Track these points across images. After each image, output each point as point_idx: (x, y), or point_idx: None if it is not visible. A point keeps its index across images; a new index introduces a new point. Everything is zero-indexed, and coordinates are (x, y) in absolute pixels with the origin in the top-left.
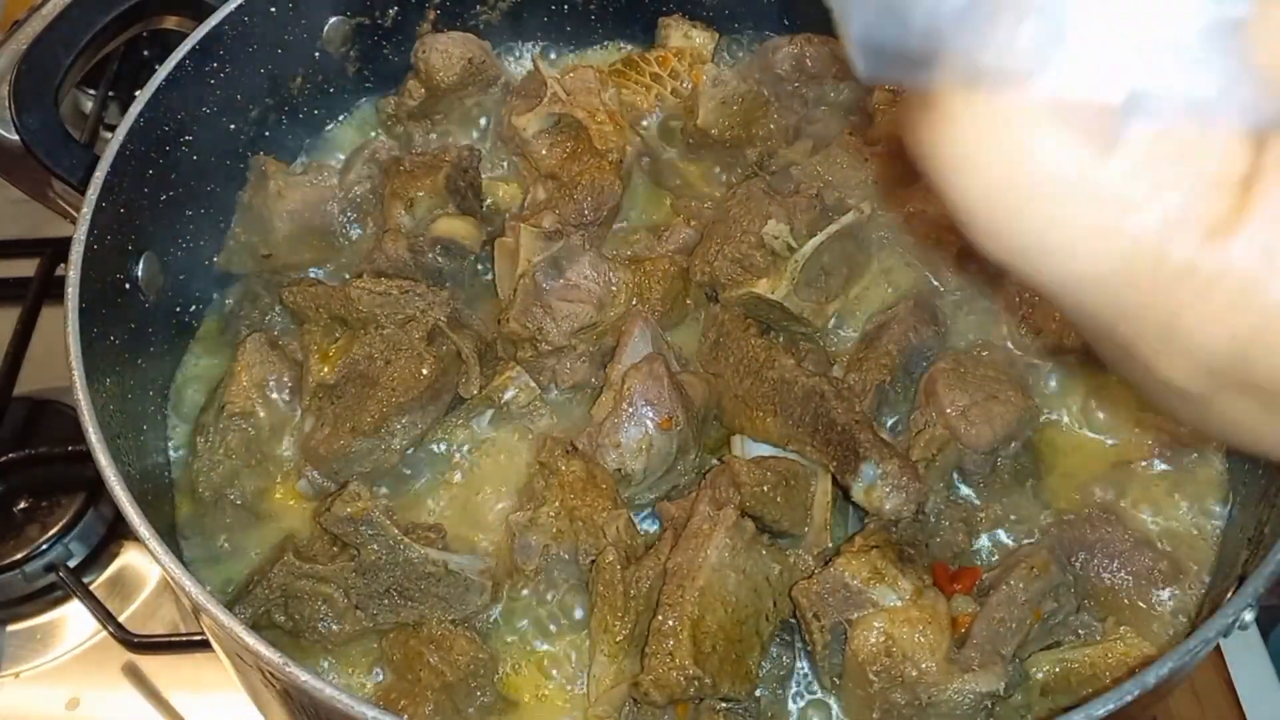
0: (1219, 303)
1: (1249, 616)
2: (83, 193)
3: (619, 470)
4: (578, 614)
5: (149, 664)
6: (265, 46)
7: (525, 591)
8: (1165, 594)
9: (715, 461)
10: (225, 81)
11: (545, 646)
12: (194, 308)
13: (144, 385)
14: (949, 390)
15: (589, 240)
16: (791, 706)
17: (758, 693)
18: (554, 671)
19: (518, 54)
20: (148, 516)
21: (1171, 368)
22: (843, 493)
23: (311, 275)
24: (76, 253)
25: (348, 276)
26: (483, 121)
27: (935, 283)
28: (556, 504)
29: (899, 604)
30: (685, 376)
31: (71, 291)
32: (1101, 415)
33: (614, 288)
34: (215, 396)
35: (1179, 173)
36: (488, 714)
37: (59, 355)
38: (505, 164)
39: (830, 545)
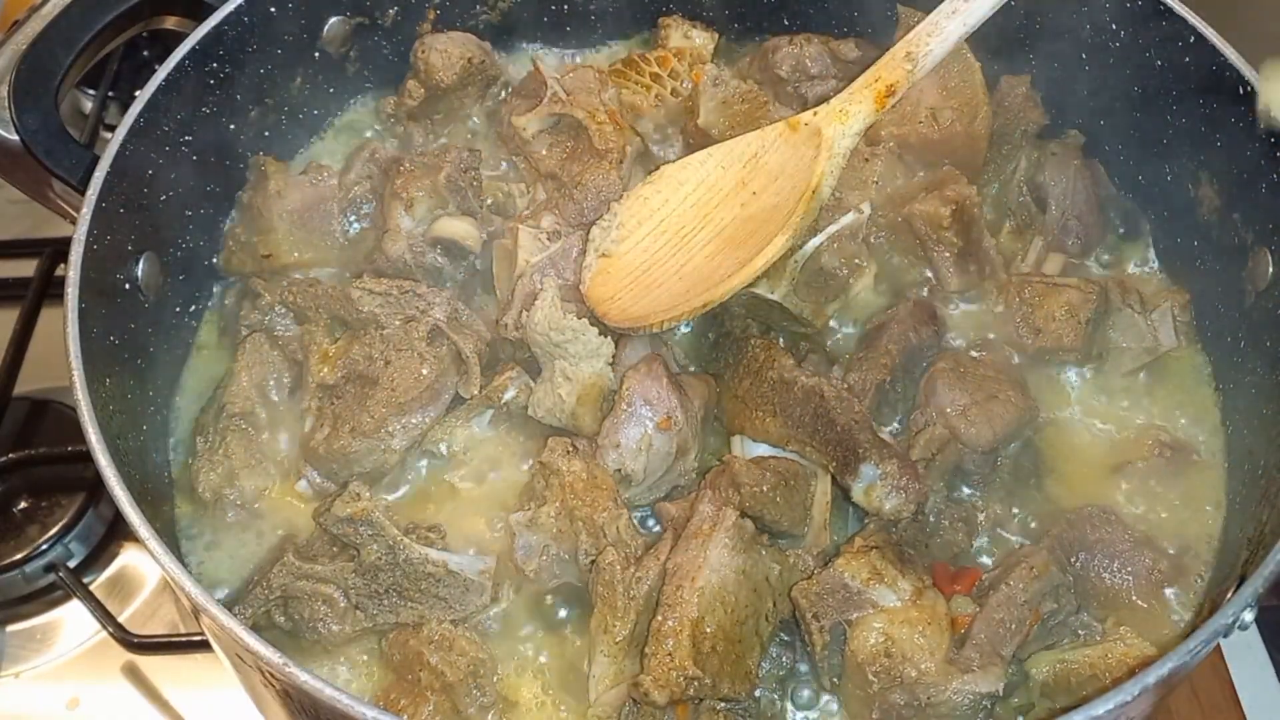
0: None
1: (1249, 616)
2: (83, 193)
3: (619, 470)
4: (578, 614)
5: (149, 664)
6: (265, 46)
7: (525, 592)
8: (1165, 594)
9: (716, 462)
10: (225, 81)
11: (545, 647)
12: (194, 308)
13: (144, 385)
14: (949, 390)
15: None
16: (791, 706)
17: (757, 693)
18: (554, 672)
19: (518, 54)
20: (148, 516)
21: None
22: (843, 493)
23: (311, 275)
24: (76, 253)
25: (348, 276)
26: (483, 121)
27: (935, 283)
28: (557, 504)
29: (898, 604)
30: (685, 377)
31: (71, 291)
32: (1101, 415)
33: None
34: (215, 396)
35: None
36: (487, 714)
37: (59, 355)
38: (505, 164)
39: (830, 545)
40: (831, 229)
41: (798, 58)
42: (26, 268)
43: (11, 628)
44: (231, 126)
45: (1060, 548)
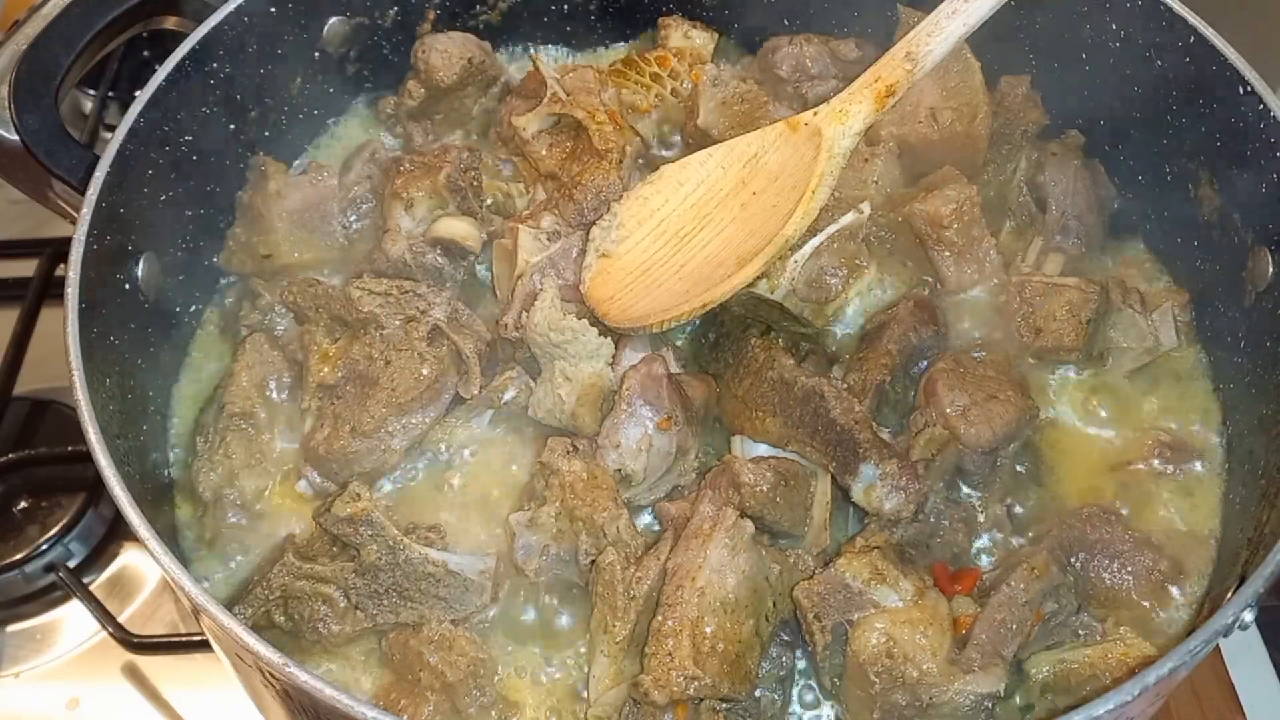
0: None
1: (1249, 616)
2: (83, 193)
3: (619, 470)
4: (578, 615)
5: (149, 664)
6: (265, 46)
7: (525, 592)
8: (1165, 594)
9: (716, 462)
10: (225, 81)
11: (545, 647)
12: (194, 308)
13: (144, 385)
14: (949, 390)
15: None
16: (791, 706)
17: (758, 693)
18: (554, 672)
19: (518, 54)
20: (148, 516)
21: None
22: (842, 493)
23: (311, 275)
24: (76, 253)
25: (348, 276)
26: (483, 121)
27: (935, 283)
28: (557, 504)
29: (900, 605)
30: (685, 377)
31: (71, 291)
32: (1102, 415)
33: None
34: (215, 396)
35: None
36: (487, 714)
37: (59, 355)
38: (505, 164)
39: (830, 545)
40: (831, 229)
41: (798, 58)
42: (26, 268)
43: (11, 628)
44: (231, 126)
45: (1060, 548)
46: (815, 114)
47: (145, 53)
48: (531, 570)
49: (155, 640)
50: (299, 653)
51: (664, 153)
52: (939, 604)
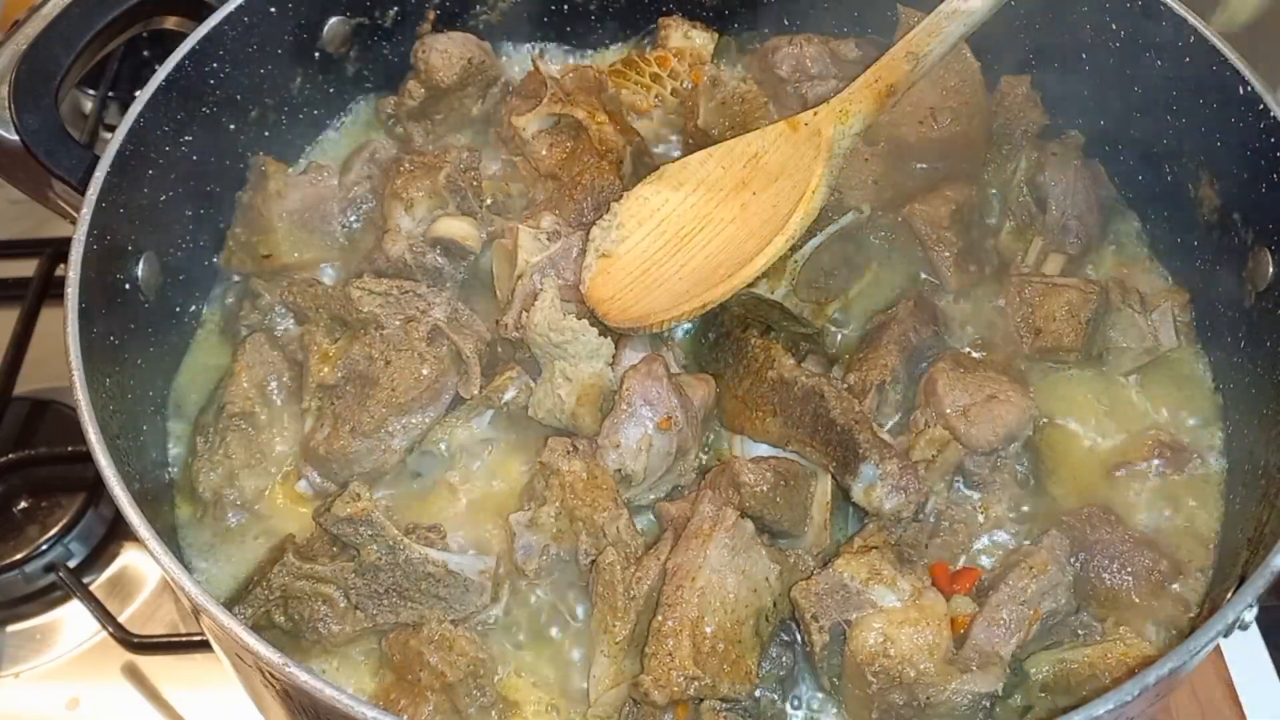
0: None
1: (1249, 616)
2: (83, 193)
3: (619, 470)
4: (578, 615)
5: (149, 664)
6: (265, 46)
7: (525, 592)
8: (1165, 594)
9: (716, 462)
10: (225, 81)
11: (545, 647)
12: (194, 308)
13: (144, 385)
14: (949, 390)
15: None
16: (791, 706)
17: (757, 693)
18: (554, 672)
19: (518, 54)
20: (148, 516)
21: None
22: (842, 493)
23: (311, 275)
24: (76, 253)
25: (348, 276)
26: (483, 121)
27: (935, 283)
28: (557, 504)
29: (898, 605)
30: (685, 377)
31: (71, 291)
32: (1101, 415)
33: None
34: (215, 396)
35: None
36: (487, 714)
37: (59, 355)
38: (505, 164)
39: (830, 545)
40: (831, 229)
41: (798, 58)
42: (26, 268)
43: (11, 628)
44: (231, 126)
45: (1060, 548)
46: (815, 114)
47: (145, 53)
48: (531, 570)
49: (155, 640)
50: (299, 653)
51: (664, 153)
52: (936, 604)
